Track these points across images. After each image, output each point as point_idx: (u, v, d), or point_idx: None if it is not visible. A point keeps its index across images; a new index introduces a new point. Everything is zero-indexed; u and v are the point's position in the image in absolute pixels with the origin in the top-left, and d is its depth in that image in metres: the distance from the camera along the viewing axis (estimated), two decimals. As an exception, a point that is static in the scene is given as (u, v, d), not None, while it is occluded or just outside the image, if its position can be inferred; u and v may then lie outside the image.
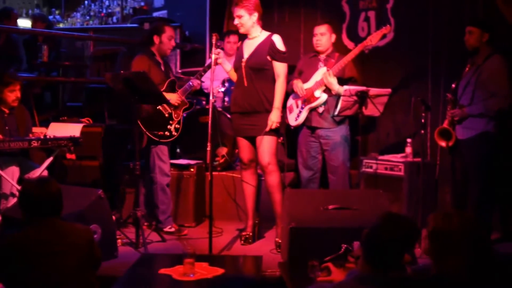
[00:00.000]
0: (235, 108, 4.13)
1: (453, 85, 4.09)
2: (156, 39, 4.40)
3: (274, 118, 3.97)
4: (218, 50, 4.04)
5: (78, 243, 2.51)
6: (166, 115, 4.37)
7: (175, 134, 4.39)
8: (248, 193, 4.18)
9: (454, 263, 1.96)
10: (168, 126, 4.35)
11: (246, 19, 3.98)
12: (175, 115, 4.40)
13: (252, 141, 4.10)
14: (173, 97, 4.36)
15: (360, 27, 5.27)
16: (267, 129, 3.96)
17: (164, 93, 4.24)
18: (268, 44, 4.01)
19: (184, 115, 4.59)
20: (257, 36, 4.05)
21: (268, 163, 4.01)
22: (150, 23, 6.06)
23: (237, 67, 4.12)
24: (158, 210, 4.40)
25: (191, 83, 4.47)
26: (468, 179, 4.08)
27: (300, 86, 4.48)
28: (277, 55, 4.01)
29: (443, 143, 4.07)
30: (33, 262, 2.44)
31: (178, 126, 4.40)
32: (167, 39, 4.42)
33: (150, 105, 4.29)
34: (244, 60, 4.04)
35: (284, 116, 4.70)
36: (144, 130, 4.27)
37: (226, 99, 5.11)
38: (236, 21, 4.02)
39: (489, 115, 3.95)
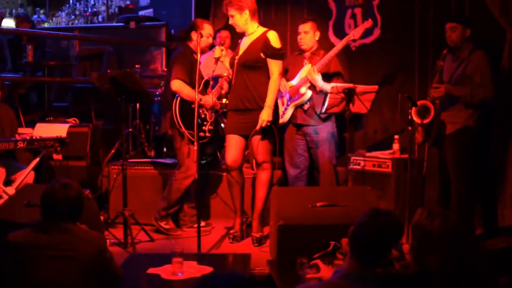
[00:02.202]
0: (229, 105, 4.12)
1: (444, 51, 4.07)
2: (194, 34, 4.32)
3: (264, 117, 3.93)
4: (222, 47, 4.04)
5: (86, 251, 2.47)
6: (203, 115, 4.31)
7: (209, 135, 4.33)
8: (236, 192, 4.15)
9: (430, 261, 1.96)
10: (203, 127, 4.29)
11: (238, 17, 3.95)
12: (209, 117, 4.34)
13: (244, 139, 4.09)
14: (208, 100, 4.28)
15: (346, 24, 5.29)
16: (257, 127, 3.94)
17: (200, 96, 4.21)
18: (262, 41, 3.97)
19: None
20: (253, 32, 4.02)
21: (264, 160, 4.01)
22: (136, 22, 6.04)
23: (231, 65, 4.10)
24: (162, 203, 4.36)
25: (221, 85, 4.40)
26: (450, 174, 4.14)
27: (284, 84, 4.48)
28: (270, 52, 3.96)
29: (418, 120, 4.05)
30: (36, 263, 2.43)
31: (212, 128, 4.35)
32: (207, 35, 4.33)
33: (190, 106, 4.18)
34: (237, 57, 4.02)
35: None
36: (183, 129, 4.20)
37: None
38: (230, 21, 4.00)
39: (471, 103, 3.98)
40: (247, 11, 3.95)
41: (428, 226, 1.97)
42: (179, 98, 4.20)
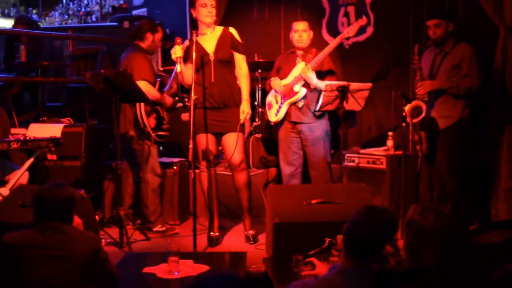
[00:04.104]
0: (203, 103, 4.00)
1: (416, 47, 4.12)
2: (149, 36, 4.36)
3: (247, 110, 3.98)
4: (182, 45, 3.89)
5: (80, 251, 2.47)
6: (162, 115, 4.35)
7: (167, 133, 4.37)
8: (212, 192, 4.11)
9: (424, 257, 1.97)
10: (162, 126, 4.33)
11: (214, 8, 3.98)
12: (165, 115, 4.38)
13: (218, 137, 4.08)
14: (169, 99, 4.33)
15: (340, 23, 5.31)
16: (242, 121, 3.97)
17: (163, 96, 4.27)
18: (228, 37, 4.00)
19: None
20: (212, 31, 4.02)
21: (241, 161, 4.01)
22: (130, 21, 6.02)
23: (203, 63, 3.97)
24: (148, 210, 4.36)
25: (171, 85, 4.43)
26: (444, 170, 4.17)
27: (278, 83, 4.49)
28: (239, 47, 4.02)
29: (414, 120, 4.06)
30: (31, 263, 2.43)
31: (169, 126, 4.38)
32: (158, 40, 4.40)
33: (150, 105, 4.23)
34: (211, 55, 3.98)
35: (263, 112, 4.72)
36: (149, 130, 4.22)
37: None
38: (209, 10, 3.94)
39: (459, 93, 4.05)
40: None
41: (421, 223, 1.98)
42: None
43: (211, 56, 3.97)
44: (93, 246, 2.53)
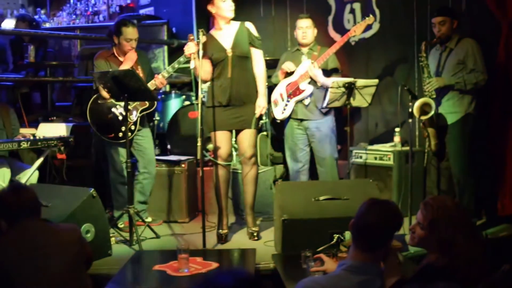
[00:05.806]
0: (218, 101, 4.00)
1: (424, 44, 4.18)
2: (115, 39, 4.36)
3: (263, 104, 3.98)
4: (195, 42, 3.88)
5: (66, 243, 2.47)
6: (120, 117, 4.33)
7: (130, 135, 4.32)
8: (225, 189, 4.10)
9: (461, 249, 2.00)
10: (122, 128, 4.29)
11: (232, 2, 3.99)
12: (132, 116, 4.34)
13: (230, 134, 4.10)
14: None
15: (345, 19, 5.32)
16: (257, 115, 3.98)
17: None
18: (246, 33, 3.99)
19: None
20: (227, 26, 4.00)
21: (252, 155, 4.03)
22: (137, 21, 6.03)
23: (220, 59, 3.97)
24: (112, 206, 4.42)
25: (153, 81, 4.35)
26: (452, 165, 4.20)
27: (288, 66, 4.49)
28: (256, 42, 4.02)
29: (423, 117, 4.08)
30: (21, 265, 2.39)
31: (134, 128, 4.34)
32: (125, 41, 4.32)
33: (105, 106, 4.25)
34: (229, 50, 3.98)
35: (269, 110, 4.73)
36: (96, 131, 4.27)
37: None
38: (230, 4, 3.94)
39: (465, 89, 4.08)
40: None
41: (446, 213, 2.02)
42: (91, 100, 4.25)
43: (229, 52, 3.96)
44: (75, 234, 2.56)
